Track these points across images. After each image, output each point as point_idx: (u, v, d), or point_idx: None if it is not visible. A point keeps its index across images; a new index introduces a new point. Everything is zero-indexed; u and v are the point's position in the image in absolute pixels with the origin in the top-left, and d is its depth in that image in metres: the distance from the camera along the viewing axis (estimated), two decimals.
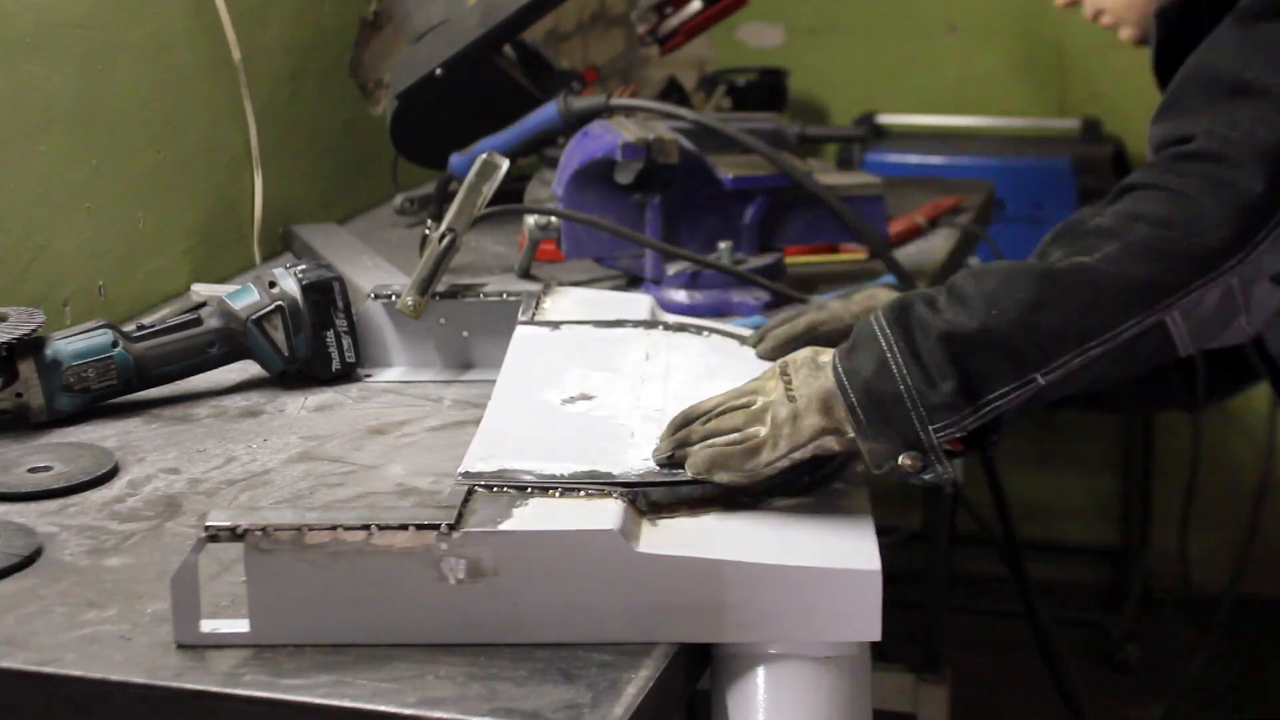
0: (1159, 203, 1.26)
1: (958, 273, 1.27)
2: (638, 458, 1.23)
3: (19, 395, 1.48)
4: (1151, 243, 1.24)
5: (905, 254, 2.07)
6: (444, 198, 1.54)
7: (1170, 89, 1.39)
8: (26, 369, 1.48)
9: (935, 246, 2.13)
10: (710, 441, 1.21)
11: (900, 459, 1.19)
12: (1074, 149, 3.07)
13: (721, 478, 1.20)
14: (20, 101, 1.73)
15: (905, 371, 1.19)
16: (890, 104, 3.28)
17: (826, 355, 1.23)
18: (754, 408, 1.21)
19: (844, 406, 1.19)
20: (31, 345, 1.49)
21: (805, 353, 1.25)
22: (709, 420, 1.22)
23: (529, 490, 1.17)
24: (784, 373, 1.23)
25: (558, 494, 1.17)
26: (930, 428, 1.19)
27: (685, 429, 1.23)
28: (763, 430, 1.20)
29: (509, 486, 1.17)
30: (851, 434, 1.19)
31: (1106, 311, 1.22)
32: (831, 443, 1.20)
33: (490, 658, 1.08)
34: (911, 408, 1.18)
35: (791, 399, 1.20)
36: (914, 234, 2.14)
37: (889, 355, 1.20)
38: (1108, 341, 1.21)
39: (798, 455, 1.20)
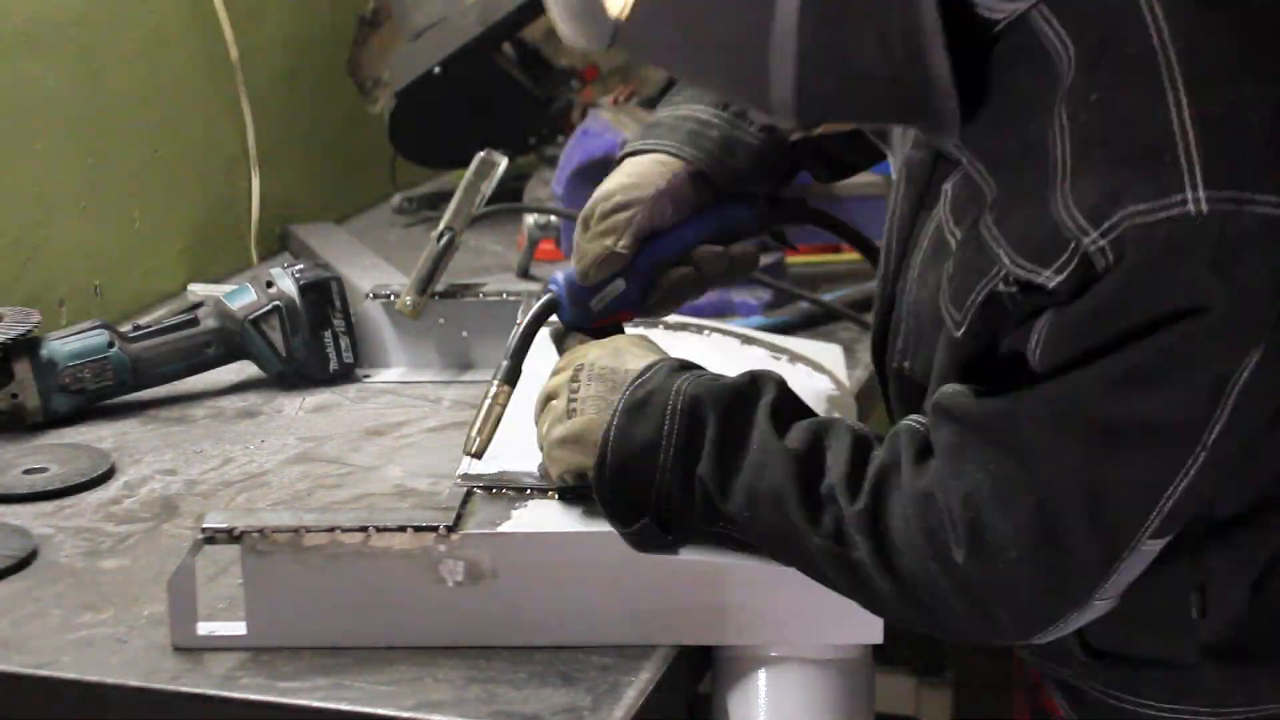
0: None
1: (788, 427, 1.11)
2: None
3: (14, 396, 1.47)
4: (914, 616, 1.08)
5: None
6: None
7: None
8: (22, 369, 1.47)
9: None
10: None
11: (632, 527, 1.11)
12: None
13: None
14: (15, 100, 1.73)
15: (666, 476, 1.10)
16: None
17: (625, 372, 1.15)
18: (545, 410, 1.18)
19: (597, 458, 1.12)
20: (27, 345, 1.48)
21: (605, 358, 1.17)
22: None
23: (528, 492, 1.16)
24: (575, 377, 1.16)
25: (557, 495, 1.16)
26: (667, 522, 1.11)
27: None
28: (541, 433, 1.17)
29: (508, 488, 1.17)
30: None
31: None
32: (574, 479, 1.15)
33: (489, 660, 1.08)
34: (657, 505, 1.11)
35: (570, 413, 1.15)
36: None
37: (662, 448, 1.11)
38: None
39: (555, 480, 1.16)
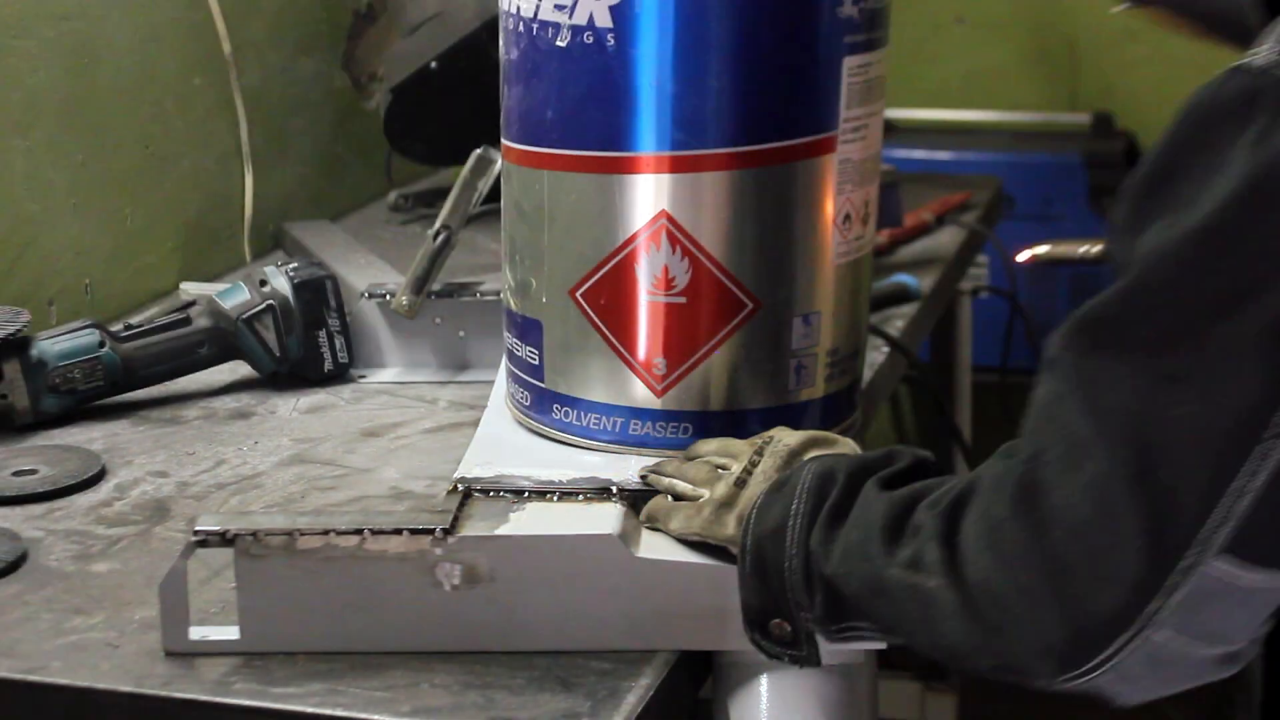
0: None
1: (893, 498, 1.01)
2: (639, 464, 1.21)
3: (3, 397, 1.46)
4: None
5: (912, 251, 2.05)
6: None
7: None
8: (11, 370, 1.46)
9: (943, 244, 2.12)
10: (665, 485, 1.16)
11: (770, 623, 1.05)
12: (1085, 144, 3.04)
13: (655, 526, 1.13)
14: (4, 95, 1.71)
15: (793, 555, 1.02)
16: (896, 98, 3.24)
17: (807, 459, 1.09)
18: (717, 465, 1.14)
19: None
20: (16, 345, 1.47)
21: (795, 439, 1.11)
22: (686, 463, 1.17)
23: (526, 495, 1.15)
24: (759, 450, 1.11)
25: (555, 498, 1.15)
26: (801, 614, 1.04)
27: (665, 463, 1.18)
28: (704, 495, 1.11)
29: (506, 491, 1.16)
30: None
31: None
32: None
33: (486, 665, 1.06)
34: (789, 590, 1.03)
35: (740, 483, 1.09)
36: (921, 231, 2.12)
37: (790, 528, 1.03)
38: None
39: (694, 540, 1.10)
